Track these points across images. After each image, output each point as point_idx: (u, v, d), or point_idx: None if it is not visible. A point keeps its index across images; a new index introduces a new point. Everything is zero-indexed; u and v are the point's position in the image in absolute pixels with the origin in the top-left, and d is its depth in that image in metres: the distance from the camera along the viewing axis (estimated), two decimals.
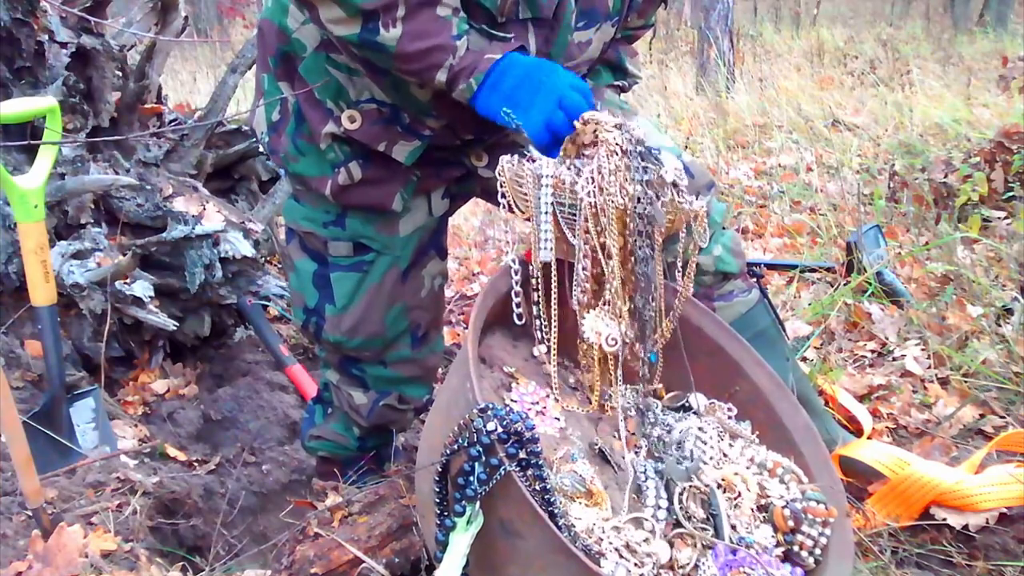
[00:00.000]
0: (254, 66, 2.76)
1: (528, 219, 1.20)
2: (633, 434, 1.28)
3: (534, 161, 1.20)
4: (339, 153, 1.46)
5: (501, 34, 1.28)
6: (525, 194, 1.20)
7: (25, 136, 2.16)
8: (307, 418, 1.91)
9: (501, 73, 1.24)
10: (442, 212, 1.60)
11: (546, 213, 1.18)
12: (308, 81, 1.44)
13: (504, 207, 1.22)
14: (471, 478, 0.98)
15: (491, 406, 1.00)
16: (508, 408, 1.01)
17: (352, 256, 1.55)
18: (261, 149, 2.85)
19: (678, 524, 1.15)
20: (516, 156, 1.22)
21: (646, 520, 1.13)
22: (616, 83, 1.61)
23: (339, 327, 1.58)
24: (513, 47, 1.27)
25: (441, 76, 1.24)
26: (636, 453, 1.24)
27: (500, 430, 0.99)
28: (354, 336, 1.59)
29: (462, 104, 1.38)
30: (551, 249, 1.19)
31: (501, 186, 1.21)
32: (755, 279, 1.72)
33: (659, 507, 1.14)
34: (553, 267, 1.22)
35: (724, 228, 1.63)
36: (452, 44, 1.23)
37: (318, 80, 1.43)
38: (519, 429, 0.99)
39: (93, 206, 2.40)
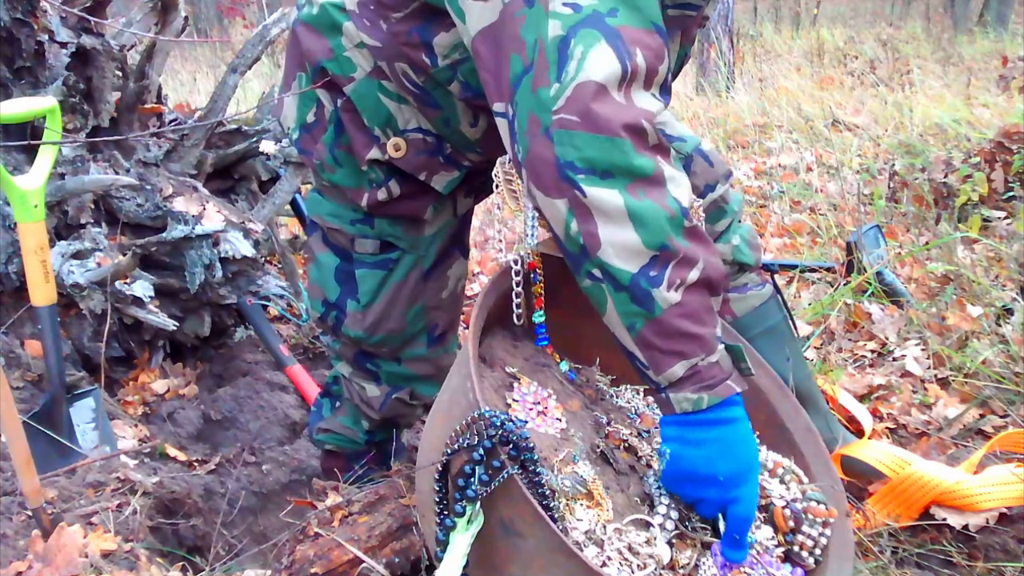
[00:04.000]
0: (255, 65, 2.78)
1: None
2: (640, 435, 1.28)
3: None
4: (379, 174, 1.45)
5: (746, 365, 1.12)
6: (514, 191, 1.22)
7: (25, 136, 2.16)
8: (315, 411, 1.91)
9: (730, 418, 1.08)
10: (466, 210, 1.61)
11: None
12: (357, 105, 1.39)
13: (500, 200, 1.25)
14: (472, 479, 0.98)
15: (489, 413, 1.00)
16: (506, 417, 1.01)
17: (378, 254, 1.54)
18: (262, 148, 2.84)
19: (677, 525, 1.15)
20: (509, 159, 1.24)
21: (652, 526, 1.13)
22: None
23: (362, 323, 1.59)
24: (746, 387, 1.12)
25: (679, 369, 1.06)
26: (639, 459, 1.24)
27: (499, 436, 0.99)
28: (375, 332, 1.59)
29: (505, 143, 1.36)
30: (535, 236, 1.21)
31: (496, 187, 1.23)
32: (769, 274, 1.72)
33: (669, 517, 1.14)
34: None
35: (740, 220, 1.63)
36: (714, 344, 1.07)
37: (369, 105, 1.39)
38: (514, 439, 1.00)
39: (93, 206, 2.40)
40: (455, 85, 1.34)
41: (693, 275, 1.05)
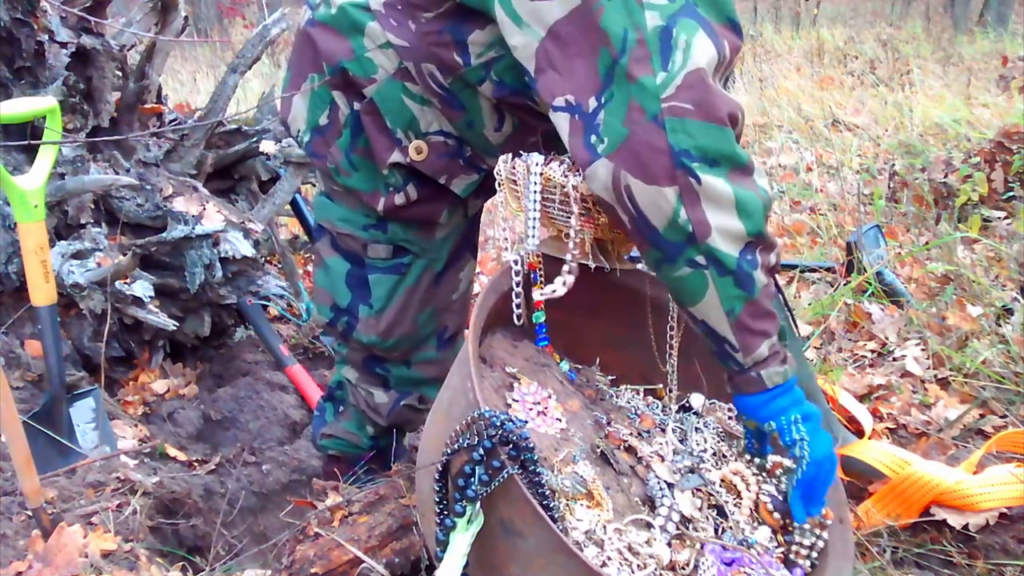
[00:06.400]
0: (255, 65, 2.78)
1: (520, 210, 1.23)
2: (640, 435, 1.28)
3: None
4: (399, 178, 1.43)
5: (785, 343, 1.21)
6: (518, 191, 1.22)
7: (25, 136, 2.16)
8: (318, 416, 1.90)
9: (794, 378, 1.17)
10: (476, 211, 1.60)
11: (534, 202, 1.20)
12: (380, 107, 1.37)
13: (502, 201, 1.25)
14: (472, 479, 0.98)
15: (489, 414, 1.00)
16: (506, 417, 1.01)
17: (391, 259, 1.53)
18: (262, 148, 2.84)
19: (678, 526, 1.15)
20: (511, 156, 1.24)
21: (652, 526, 1.13)
22: None
23: (376, 328, 1.57)
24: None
25: (763, 349, 1.13)
26: (640, 460, 1.24)
27: (499, 436, 0.99)
28: (389, 337, 1.58)
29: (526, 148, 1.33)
30: (536, 237, 1.21)
31: (499, 185, 1.23)
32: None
33: (671, 519, 1.14)
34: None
35: None
36: (779, 323, 1.16)
37: (393, 108, 1.37)
38: (514, 439, 1.00)
39: (93, 206, 2.40)
40: (487, 85, 1.32)
41: (773, 258, 1.13)
